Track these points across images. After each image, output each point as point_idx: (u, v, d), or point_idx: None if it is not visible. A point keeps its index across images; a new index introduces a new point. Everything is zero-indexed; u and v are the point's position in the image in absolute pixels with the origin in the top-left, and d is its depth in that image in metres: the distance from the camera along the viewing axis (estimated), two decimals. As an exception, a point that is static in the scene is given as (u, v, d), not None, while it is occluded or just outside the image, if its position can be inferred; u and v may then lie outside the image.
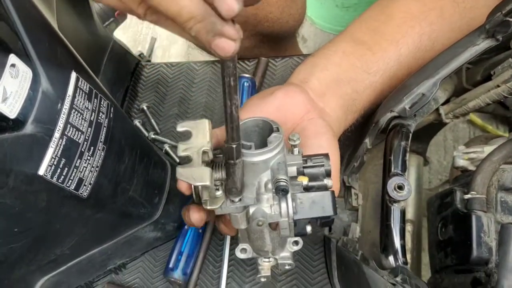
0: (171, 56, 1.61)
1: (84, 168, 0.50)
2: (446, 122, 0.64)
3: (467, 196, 0.50)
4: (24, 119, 0.42)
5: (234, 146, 0.39)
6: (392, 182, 0.52)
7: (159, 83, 0.92)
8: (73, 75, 0.48)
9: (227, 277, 0.72)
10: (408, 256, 0.72)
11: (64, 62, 0.48)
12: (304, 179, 0.45)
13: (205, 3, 0.31)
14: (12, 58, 0.41)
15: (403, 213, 0.53)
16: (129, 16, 0.99)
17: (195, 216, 0.51)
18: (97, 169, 0.52)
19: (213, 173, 0.44)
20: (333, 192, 0.45)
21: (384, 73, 0.60)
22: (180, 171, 0.42)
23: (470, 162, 0.59)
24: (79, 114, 0.48)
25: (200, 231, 0.74)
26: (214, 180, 0.44)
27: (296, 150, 0.47)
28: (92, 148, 0.51)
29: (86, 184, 0.51)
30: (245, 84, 0.83)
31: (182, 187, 0.49)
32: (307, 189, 0.45)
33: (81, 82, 0.49)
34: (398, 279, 0.48)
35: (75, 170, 0.49)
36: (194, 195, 0.47)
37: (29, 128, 0.43)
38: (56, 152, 0.45)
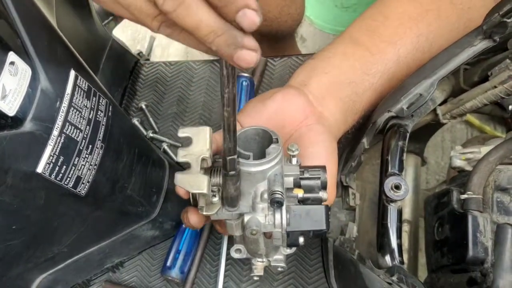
0: (170, 55, 1.61)
1: (82, 166, 0.50)
2: (444, 122, 0.64)
3: (463, 196, 0.51)
4: (23, 117, 0.43)
5: (230, 158, 0.39)
6: (389, 182, 0.52)
7: (158, 82, 0.92)
8: (72, 73, 0.48)
9: (225, 276, 0.73)
10: (405, 256, 0.72)
11: (63, 60, 0.48)
12: (300, 192, 0.45)
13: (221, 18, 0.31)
14: (11, 56, 0.41)
15: (399, 212, 0.53)
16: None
17: (193, 219, 0.51)
18: (95, 167, 0.52)
19: (211, 178, 0.44)
20: (327, 207, 0.46)
21: (383, 74, 0.60)
22: (179, 177, 0.42)
23: (467, 162, 0.59)
24: (77, 112, 0.48)
25: (198, 229, 0.74)
26: (211, 185, 0.44)
27: (294, 160, 0.48)
28: (90, 146, 0.51)
29: (84, 182, 0.51)
30: (244, 83, 0.83)
31: (180, 191, 0.49)
32: (302, 201, 0.46)
33: (80, 80, 0.49)
34: (394, 278, 0.48)
35: (73, 168, 0.49)
36: (191, 200, 0.47)
37: (27, 126, 0.43)
38: (54, 150, 0.46)
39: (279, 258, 0.54)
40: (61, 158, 0.47)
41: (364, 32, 0.62)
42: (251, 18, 0.30)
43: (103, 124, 0.53)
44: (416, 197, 0.78)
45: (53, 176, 0.47)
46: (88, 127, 0.50)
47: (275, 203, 0.42)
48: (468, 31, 0.55)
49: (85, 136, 0.50)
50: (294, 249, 0.51)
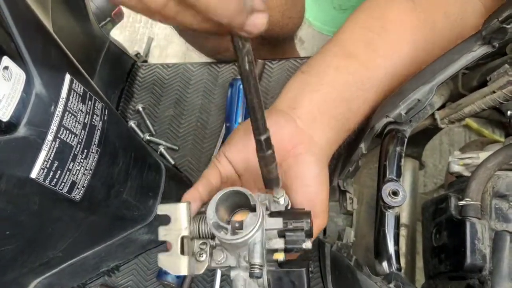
0: (168, 56, 1.60)
1: (77, 171, 0.50)
2: (442, 127, 0.63)
3: (461, 203, 0.50)
4: (17, 122, 0.42)
5: (262, 138, 0.41)
6: (387, 188, 0.52)
7: (155, 84, 0.92)
8: (67, 77, 0.48)
9: (221, 280, 0.72)
10: (402, 261, 0.72)
11: (58, 65, 0.48)
12: (280, 256, 0.46)
13: None
14: (5, 61, 0.41)
15: (397, 219, 0.53)
16: (126, 15, 0.98)
17: None
18: (90, 172, 0.52)
19: (200, 226, 0.46)
20: (307, 269, 0.47)
21: (378, 88, 0.58)
22: (161, 259, 0.45)
23: (465, 168, 0.59)
24: (72, 116, 0.48)
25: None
26: (200, 237, 0.46)
27: (282, 200, 0.48)
28: (85, 151, 0.50)
29: (79, 187, 0.51)
30: (242, 86, 0.83)
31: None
32: (283, 263, 0.47)
33: (75, 84, 0.49)
34: (392, 285, 0.48)
35: (68, 173, 0.48)
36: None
37: (21, 131, 0.42)
38: (48, 155, 0.45)
39: None
40: (56, 163, 0.46)
41: (359, 44, 0.59)
42: None
43: (98, 129, 0.53)
44: (413, 201, 0.77)
45: (47, 182, 0.46)
46: (83, 131, 0.50)
47: (254, 277, 0.44)
48: (460, 40, 0.55)
49: (80, 140, 0.49)
50: None
